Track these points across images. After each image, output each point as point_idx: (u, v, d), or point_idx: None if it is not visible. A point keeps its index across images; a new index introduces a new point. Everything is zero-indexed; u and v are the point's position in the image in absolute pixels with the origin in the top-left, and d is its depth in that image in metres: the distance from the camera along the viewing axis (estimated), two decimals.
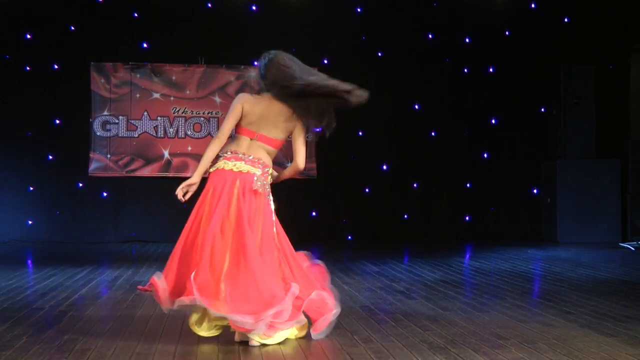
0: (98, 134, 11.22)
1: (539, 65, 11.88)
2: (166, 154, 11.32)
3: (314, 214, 11.58)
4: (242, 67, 11.46)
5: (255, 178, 4.84)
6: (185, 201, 4.84)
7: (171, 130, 11.31)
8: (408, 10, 11.70)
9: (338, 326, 5.14)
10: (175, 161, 11.31)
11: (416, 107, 11.81)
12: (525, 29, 11.85)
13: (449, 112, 11.85)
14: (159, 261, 8.39)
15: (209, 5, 11.28)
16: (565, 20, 11.89)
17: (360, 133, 11.72)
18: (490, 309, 5.85)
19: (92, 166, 11.24)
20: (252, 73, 11.45)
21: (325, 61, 11.45)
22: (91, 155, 11.22)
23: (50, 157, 11.12)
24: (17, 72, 10.99)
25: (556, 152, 11.66)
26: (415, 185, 11.85)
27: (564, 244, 11.19)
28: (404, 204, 11.82)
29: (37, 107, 11.05)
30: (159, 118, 11.28)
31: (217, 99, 11.34)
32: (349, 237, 11.63)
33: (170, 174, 11.28)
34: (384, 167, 11.78)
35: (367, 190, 11.74)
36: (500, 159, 11.99)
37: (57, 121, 11.11)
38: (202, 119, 11.39)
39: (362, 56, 11.63)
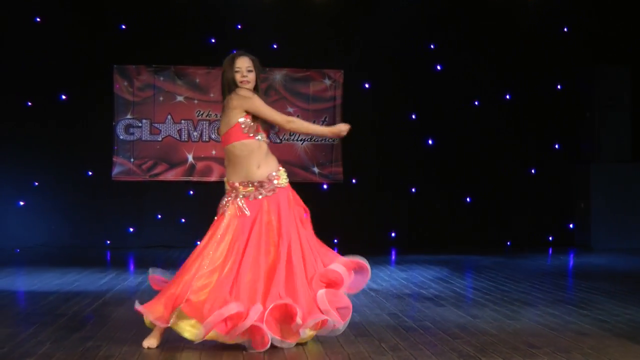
0: (121, 137, 11.21)
1: (573, 66, 11.73)
2: (190, 157, 11.27)
3: (344, 218, 11.48)
4: (267, 69, 11.40)
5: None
6: None
7: (195, 133, 11.27)
8: (435, 11, 11.59)
9: (365, 334, 5.11)
10: (199, 165, 11.27)
11: (442, 111, 11.70)
12: (558, 30, 11.71)
13: (477, 116, 11.73)
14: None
15: (233, 8, 11.24)
16: (600, 21, 11.70)
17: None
18: (521, 316, 5.76)
19: (116, 170, 11.22)
20: (277, 76, 11.42)
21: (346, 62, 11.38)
22: (114, 159, 11.21)
23: (74, 161, 11.12)
24: (41, 76, 11.00)
25: (590, 156, 11.48)
26: (450, 188, 11.74)
27: (597, 250, 11.05)
28: (439, 209, 11.70)
29: (61, 110, 11.07)
30: (182, 121, 11.24)
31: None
32: (393, 235, 11.60)
33: (194, 178, 11.25)
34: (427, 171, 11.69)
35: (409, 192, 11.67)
36: (532, 162, 11.85)
37: (80, 124, 11.11)
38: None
39: (384, 59, 11.54)
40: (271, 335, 4.52)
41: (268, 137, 5.01)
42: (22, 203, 11.12)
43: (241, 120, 4.86)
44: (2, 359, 4.37)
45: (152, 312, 4.63)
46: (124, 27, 11.18)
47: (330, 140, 11.53)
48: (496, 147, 11.75)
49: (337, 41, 11.46)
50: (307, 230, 4.97)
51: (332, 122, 11.56)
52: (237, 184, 4.87)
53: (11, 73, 10.99)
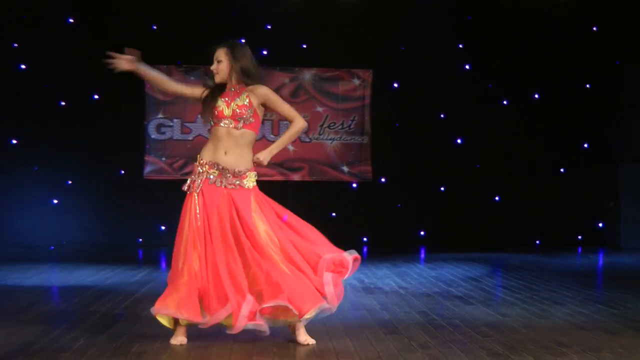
0: (153, 136, 11.33)
1: (601, 66, 11.65)
2: None
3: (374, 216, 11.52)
4: (296, 69, 11.46)
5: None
6: None
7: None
8: (463, 11, 11.58)
9: (395, 331, 5.13)
10: None
11: (468, 112, 11.68)
12: (587, 29, 11.63)
13: (506, 115, 11.70)
14: None
15: (261, 6, 11.29)
16: (628, 20, 11.60)
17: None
18: (551, 315, 5.75)
19: (147, 169, 11.35)
20: (306, 75, 11.47)
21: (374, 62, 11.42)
22: (146, 158, 11.34)
23: (107, 160, 11.26)
24: (74, 76, 11.15)
25: (618, 155, 11.40)
26: (478, 187, 11.72)
27: (627, 249, 10.97)
28: (467, 208, 11.70)
29: (93, 110, 11.21)
30: None
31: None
32: (422, 233, 11.64)
33: None
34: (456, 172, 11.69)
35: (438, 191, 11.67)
36: (561, 162, 11.81)
37: (112, 124, 11.25)
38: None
39: (413, 59, 11.56)
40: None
41: (242, 124, 4.89)
42: (56, 201, 11.30)
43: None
44: (37, 354, 4.43)
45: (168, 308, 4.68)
46: (154, 27, 11.31)
47: (359, 139, 11.59)
48: (525, 146, 11.73)
49: (366, 41, 11.48)
50: (291, 227, 4.93)
51: (361, 121, 11.61)
52: (204, 161, 4.89)
53: (45, 74, 11.16)
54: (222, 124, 4.87)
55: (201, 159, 4.91)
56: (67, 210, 11.28)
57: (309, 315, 4.65)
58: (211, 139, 4.94)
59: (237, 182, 4.84)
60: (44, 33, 11.11)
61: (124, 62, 5.10)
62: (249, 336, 4.77)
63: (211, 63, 5.02)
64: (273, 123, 11.47)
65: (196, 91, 5.08)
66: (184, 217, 4.86)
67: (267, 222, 4.83)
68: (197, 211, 4.80)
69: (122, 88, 11.21)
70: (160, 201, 11.43)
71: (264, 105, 4.96)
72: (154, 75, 5.13)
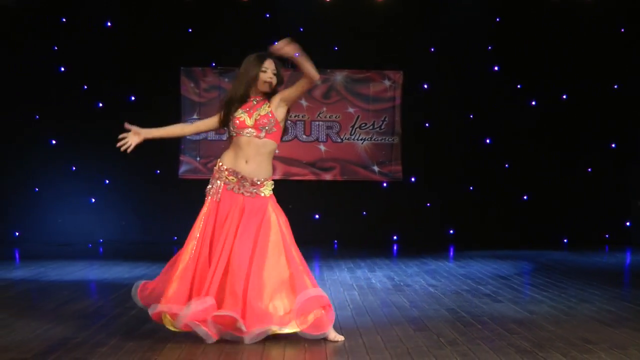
0: (188, 137, 11.51)
1: (629, 66, 11.60)
2: None
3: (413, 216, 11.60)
4: (328, 70, 11.56)
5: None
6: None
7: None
8: (492, 12, 11.61)
9: (424, 328, 5.20)
10: None
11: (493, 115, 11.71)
12: (615, 29, 11.58)
13: (535, 116, 11.72)
14: None
15: (293, 9, 11.38)
16: None
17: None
18: (578, 312, 5.79)
19: (182, 169, 11.54)
20: (338, 77, 11.57)
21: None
22: (181, 158, 11.53)
23: (143, 160, 11.42)
24: (112, 78, 11.37)
25: None
26: (507, 187, 11.75)
27: None
28: (496, 206, 11.75)
29: (130, 111, 11.34)
30: None
31: (304, 103, 11.47)
32: (451, 232, 11.69)
33: None
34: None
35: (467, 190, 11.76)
36: (589, 161, 11.78)
37: (148, 125, 11.36)
38: (288, 122, 11.51)
39: (443, 60, 11.64)
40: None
41: (264, 133, 4.97)
42: (93, 200, 11.51)
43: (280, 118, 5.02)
44: (75, 349, 4.54)
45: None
46: (190, 30, 11.48)
47: (390, 139, 11.67)
48: (553, 146, 11.72)
49: (397, 42, 11.55)
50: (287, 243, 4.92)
51: (391, 122, 11.69)
52: (224, 167, 4.97)
53: (83, 75, 11.39)
54: (244, 134, 4.94)
55: (221, 164, 5.01)
56: (104, 208, 11.50)
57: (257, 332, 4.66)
58: (232, 147, 5.01)
59: (255, 190, 4.93)
60: (82, 36, 11.32)
61: (132, 137, 5.27)
62: (281, 335, 4.83)
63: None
64: (305, 124, 11.61)
65: (211, 122, 5.14)
66: (198, 219, 4.97)
67: (280, 230, 4.88)
68: (210, 214, 4.92)
69: (158, 89, 11.44)
70: (194, 200, 11.53)
71: (286, 104, 5.02)
72: (165, 131, 5.28)
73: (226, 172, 4.96)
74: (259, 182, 4.94)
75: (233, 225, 4.85)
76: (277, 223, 4.89)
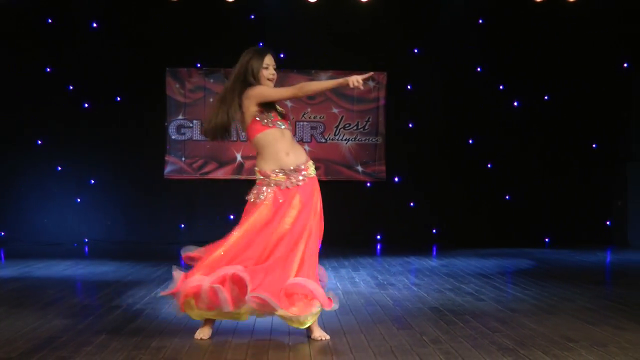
0: (173, 137, 11.52)
1: (610, 65, 11.70)
2: (239, 156, 11.55)
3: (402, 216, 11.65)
4: (313, 71, 11.59)
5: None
6: None
7: (244, 133, 11.44)
8: (475, 13, 11.69)
9: (407, 326, 5.23)
10: (248, 164, 11.52)
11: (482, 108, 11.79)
12: (597, 30, 11.64)
13: (517, 116, 11.82)
14: None
15: (278, 10, 11.40)
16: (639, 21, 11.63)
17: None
18: (559, 311, 5.83)
19: (168, 169, 11.54)
20: (322, 77, 11.59)
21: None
22: (167, 158, 11.53)
23: (128, 160, 11.44)
24: (97, 78, 11.35)
25: (627, 155, 11.48)
26: (489, 187, 11.83)
27: (635, 247, 11.03)
28: (479, 206, 11.81)
29: (116, 111, 11.39)
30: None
31: (289, 103, 11.49)
32: (434, 231, 11.73)
33: (243, 177, 11.46)
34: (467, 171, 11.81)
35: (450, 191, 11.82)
36: (570, 161, 11.86)
37: (134, 125, 11.43)
38: None
39: (426, 61, 11.69)
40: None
41: (289, 124, 5.07)
42: (79, 200, 11.49)
43: (255, 113, 4.98)
44: (61, 347, 4.54)
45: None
46: (175, 31, 11.47)
47: (374, 139, 11.72)
48: (535, 146, 11.79)
49: (381, 44, 11.58)
50: (317, 223, 5.00)
51: (375, 122, 11.74)
52: (268, 172, 4.92)
53: (69, 76, 11.36)
54: (279, 125, 4.97)
55: (264, 170, 4.96)
56: (90, 208, 11.47)
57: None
58: (265, 148, 4.97)
59: (304, 174, 4.94)
60: (68, 37, 11.30)
61: None
62: (266, 332, 4.89)
63: (231, 66, 5.12)
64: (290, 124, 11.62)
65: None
66: (244, 220, 4.91)
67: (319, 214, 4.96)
68: (262, 215, 4.86)
69: (143, 90, 11.43)
70: (180, 200, 11.62)
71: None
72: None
73: (273, 176, 4.92)
74: (303, 167, 4.96)
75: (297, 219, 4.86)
76: (318, 207, 4.97)
